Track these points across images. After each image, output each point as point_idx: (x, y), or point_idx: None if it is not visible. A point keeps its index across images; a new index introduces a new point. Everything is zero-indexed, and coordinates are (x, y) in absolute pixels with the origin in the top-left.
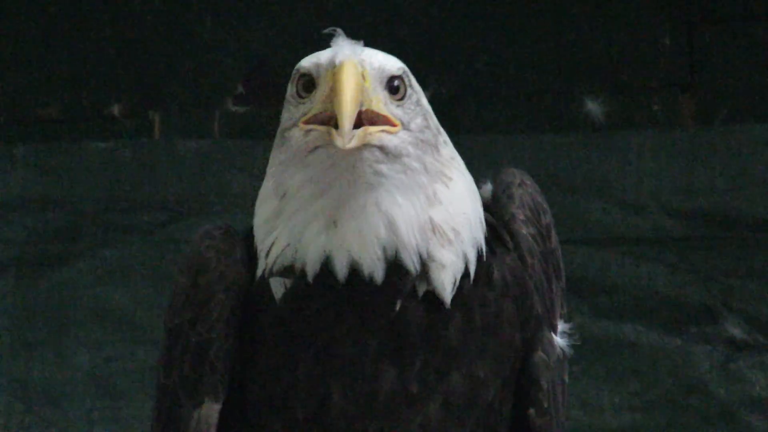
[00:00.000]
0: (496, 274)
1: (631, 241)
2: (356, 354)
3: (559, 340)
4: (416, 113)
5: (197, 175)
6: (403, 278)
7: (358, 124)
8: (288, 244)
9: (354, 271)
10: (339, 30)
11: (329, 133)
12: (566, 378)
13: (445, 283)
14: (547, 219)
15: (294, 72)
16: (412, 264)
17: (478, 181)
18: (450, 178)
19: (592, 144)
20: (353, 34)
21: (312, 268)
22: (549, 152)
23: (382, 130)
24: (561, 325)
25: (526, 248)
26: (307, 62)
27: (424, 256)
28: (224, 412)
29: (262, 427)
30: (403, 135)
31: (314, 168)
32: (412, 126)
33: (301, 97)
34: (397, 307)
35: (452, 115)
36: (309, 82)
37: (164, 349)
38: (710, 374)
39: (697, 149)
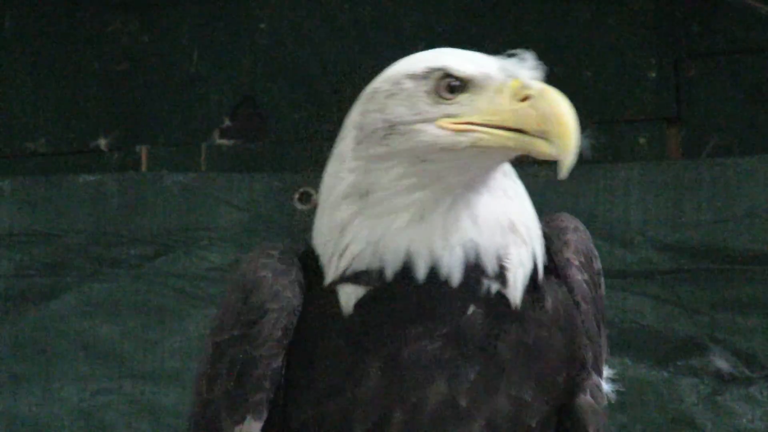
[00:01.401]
0: (548, 300)
1: (618, 274)
2: (419, 363)
3: (605, 386)
4: None
5: (184, 208)
6: (479, 279)
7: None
8: (367, 245)
9: (431, 272)
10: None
11: (531, 143)
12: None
13: (518, 283)
14: (598, 265)
15: (428, 69)
16: (490, 264)
17: None
18: (513, 178)
19: (579, 177)
20: (334, 66)
21: (392, 267)
22: (535, 185)
23: None
24: (606, 371)
25: (581, 294)
26: (468, 66)
27: (502, 255)
28: None
29: None
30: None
31: (432, 164)
32: None
33: (440, 96)
34: (470, 311)
35: None
36: (458, 86)
37: (208, 363)
38: (697, 407)
39: (684, 182)
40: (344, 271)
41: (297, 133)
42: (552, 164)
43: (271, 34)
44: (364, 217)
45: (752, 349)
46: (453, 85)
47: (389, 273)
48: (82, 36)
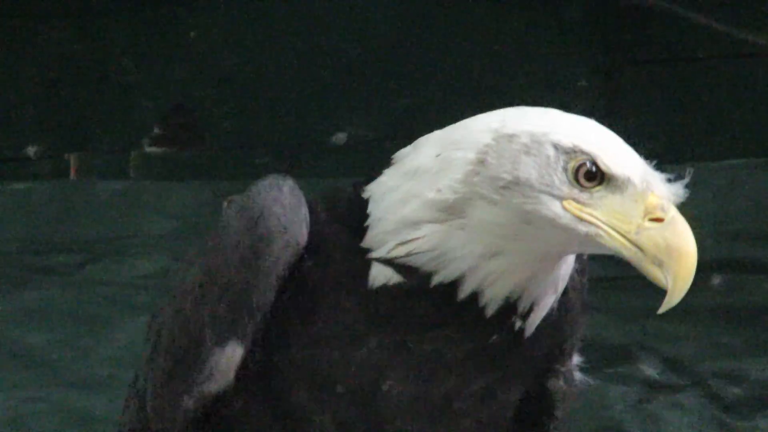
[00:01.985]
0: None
1: None
2: (426, 358)
3: (577, 373)
4: None
5: (114, 216)
6: (509, 316)
7: None
8: (434, 249)
9: (471, 296)
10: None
11: (646, 264)
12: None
13: (537, 321)
14: (586, 255)
15: (576, 148)
16: (523, 307)
17: None
18: None
19: None
20: (272, 79)
21: (440, 279)
22: None
23: None
24: (576, 358)
25: (570, 284)
26: (617, 164)
27: (536, 302)
28: (244, 369)
29: (287, 395)
30: None
31: (535, 229)
32: None
33: (576, 179)
34: (492, 340)
35: (371, 158)
36: (596, 175)
37: (196, 284)
38: (626, 414)
39: None
40: (395, 258)
41: (228, 141)
42: None
43: (203, 42)
44: (445, 227)
45: (681, 356)
46: (592, 173)
47: (437, 279)
48: (13, 43)
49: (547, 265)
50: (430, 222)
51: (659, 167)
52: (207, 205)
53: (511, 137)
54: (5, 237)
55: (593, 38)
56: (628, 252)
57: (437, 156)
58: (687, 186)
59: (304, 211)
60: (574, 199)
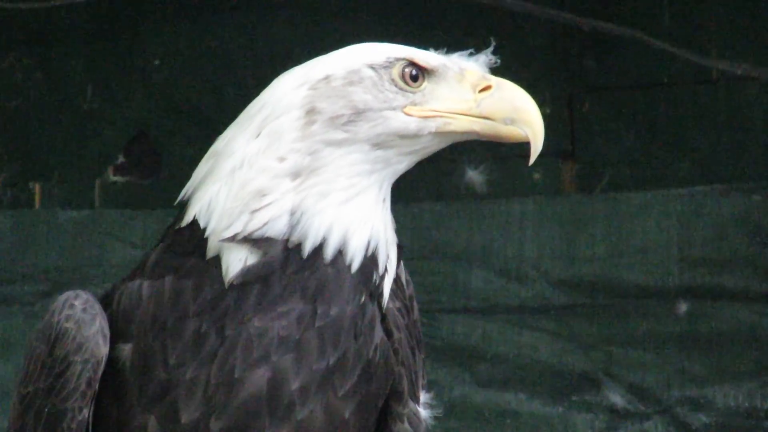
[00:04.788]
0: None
1: (513, 310)
2: (271, 341)
3: (423, 412)
4: None
5: (78, 244)
6: (371, 273)
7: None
8: (288, 214)
9: (337, 254)
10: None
11: (499, 128)
12: None
13: (387, 289)
14: (410, 291)
15: (390, 59)
16: (381, 262)
17: None
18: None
19: (474, 213)
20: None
21: (312, 241)
22: (430, 221)
23: None
24: (423, 396)
25: (393, 322)
26: (431, 58)
27: (389, 257)
28: None
29: None
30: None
31: (388, 150)
32: None
33: (406, 84)
34: (362, 299)
35: None
36: (419, 76)
37: (16, 416)
38: None
39: (578, 217)
40: (250, 233)
41: (191, 169)
42: (446, 200)
43: (165, 70)
44: (291, 192)
45: (647, 383)
46: (414, 75)
47: (308, 246)
48: None
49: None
50: (273, 188)
51: (622, 193)
52: None
53: (327, 78)
54: None
55: (556, 65)
56: (479, 126)
57: (257, 137)
58: (492, 54)
59: (99, 322)
60: (413, 103)
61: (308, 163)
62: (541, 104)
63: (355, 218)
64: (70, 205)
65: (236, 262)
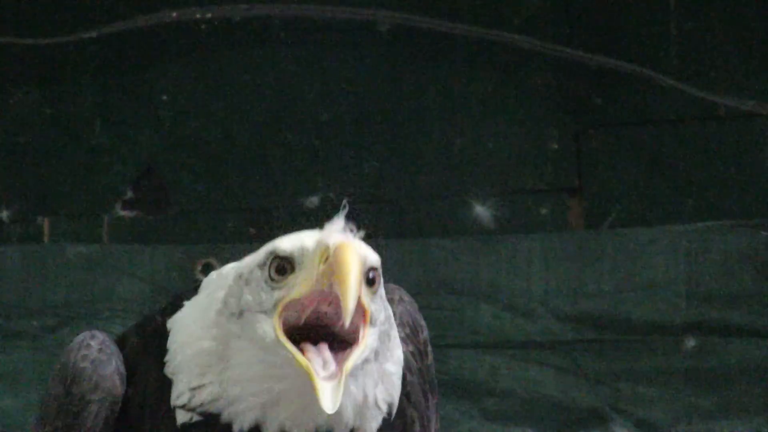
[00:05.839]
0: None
1: (520, 345)
2: None
3: None
4: (382, 307)
5: (86, 280)
6: None
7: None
8: (221, 399)
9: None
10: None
11: (306, 377)
12: None
13: None
14: (425, 335)
15: (267, 254)
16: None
17: None
18: (392, 355)
19: (481, 248)
20: (243, 142)
21: (239, 427)
22: (438, 256)
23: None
24: None
25: (405, 366)
26: (287, 244)
27: (356, 427)
28: None
29: None
30: (372, 337)
31: (274, 356)
32: (379, 321)
33: (273, 281)
34: None
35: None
36: (284, 266)
37: None
38: None
39: (585, 253)
40: (196, 406)
41: (199, 204)
42: (453, 235)
43: (173, 105)
44: (223, 377)
45: (654, 419)
46: (280, 266)
47: (236, 427)
48: None
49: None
50: (207, 366)
51: (630, 229)
52: (179, 268)
53: (240, 276)
54: None
55: (563, 101)
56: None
57: (208, 295)
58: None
59: (115, 362)
60: (280, 300)
61: (225, 353)
62: (547, 140)
63: (287, 416)
64: (78, 240)
65: (182, 416)
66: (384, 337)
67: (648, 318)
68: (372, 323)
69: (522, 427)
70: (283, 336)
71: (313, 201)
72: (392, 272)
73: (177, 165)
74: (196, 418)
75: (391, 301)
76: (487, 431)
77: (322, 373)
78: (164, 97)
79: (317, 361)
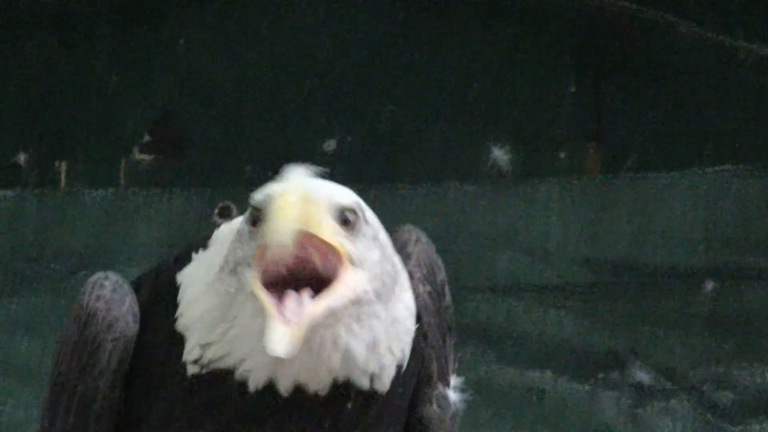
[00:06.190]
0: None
1: (538, 289)
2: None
3: (452, 395)
4: (372, 247)
5: (103, 224)
6: (349, 392)
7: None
8: (229, 356)
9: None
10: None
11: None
12: None
13: (386, 385)
14: (442, 276)
15: (250, 206)
16: (362, 383)
17: None
18: (401, 299)
19: (499, 193)
20: (260, 88)
21: (254, 385)
22: (456, 201)
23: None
24: (453, 380)
25: (422, 306)
26: (258, 194)
27: (375, 373)
28: None
29: None
30: (360, 279)
31: None
32: (368, 262)
33: (250, 232)
34: (346, 411)
35: (358, 166)
36: (257, 216)
37: (49, 399)
38: (618, 420)
39: (603, 198)
40: (206, 362)
41: (217, 149)
42: (471, 180)
43: (190, 50)
44: (230, 335)
45: (672, 362)
46: (256, 217)
47: (251, 388)
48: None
49: (333, 335)
50: (214, 325)
51: (648, 174)
52: (196, 213)
53: (236, 231)
54: None
55: (581, 47)
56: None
57: (214, 250)
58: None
59: (129, 301)
60: (253, 252)
61: (228, 312)
62: (566, 86)
63: (299, 369)
64: (96, 185)
65: (194, 369)
66: (386, 278)
67: (666, 262)
68: (358, 265)
69: (540, 370)
70: (257, 283)
71: (331, 145)
72: (410, 218)
73: (194, 110)
74: (206, 372)
75: (407, 242)
76: (504, 375)
77: (289, 316)
78: (181, 42)
79: (290, 305)
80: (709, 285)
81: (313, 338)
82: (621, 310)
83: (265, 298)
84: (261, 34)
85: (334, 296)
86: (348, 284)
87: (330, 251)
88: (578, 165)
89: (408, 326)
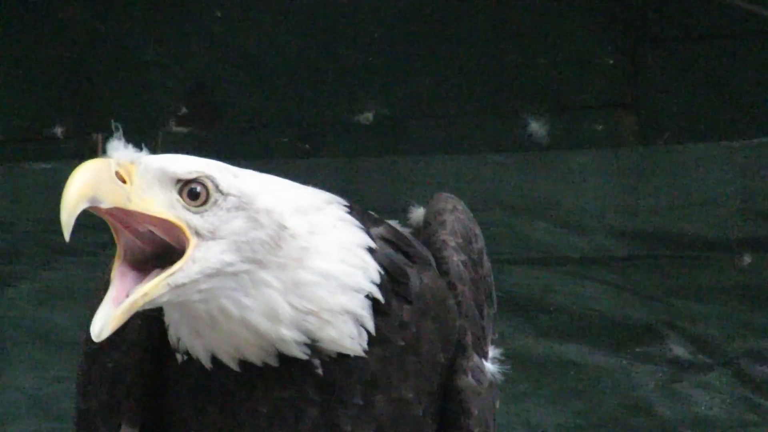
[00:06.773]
0: (413, 295)
1: (575, 261)
2: (276, 405)
3: (490, 366)
4: (231, 218)
5: None
6: (298, 362)
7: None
8: (180, 340)
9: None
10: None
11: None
12: (497, 404)
13: (346, 346)
14: (479, 245)
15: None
16: (299, 351)
17: (409, 205)
18: (306, 263)
19: (536, 164)
20: (296, 59)
21: (205, 361)
22: (492, 172)
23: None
24: (492, 351)
25: (456, 275)
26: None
27: (312, 338)
28: None
29: None
30: (213, 249)
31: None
32: (224, 232)
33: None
34: (321, 376)
35: (395, 136)
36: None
37: (82, 374)
38: (654, 394)
39: (640, 169)
40: (181, 350)
41: (253, 120)
42: (507, 151)
43: (226, 22)
44: (170, 323)
45: (709, 336)
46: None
47: (205, 364)
48: (36, 23)
49: (219, 309)
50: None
51: (684, 145)
52: None
53: None
54: (30, 217)
55: (618, 16)
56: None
57: None
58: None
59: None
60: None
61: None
62: (602, 56)
63: (217, 343)
64: None
65: (179, 356)
66: (258, 246)
67: (702, 234)
68: (209, 237)
69: (576, 343)
70: (116, 262)
71: (368, 117)
72: (445, 189)
73: (230, 81)
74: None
75: (443, 210)
76: (540, 348)
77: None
78: (217, 14)
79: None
80: (746, 257)
81: (188, 314)
82: (657, 282)
83: (113, 282)
84: (297, 5)
85: (172, 270)
86: (195, 257)
87: (166, 225)
88: (615, 135)
89: (318, 291)
